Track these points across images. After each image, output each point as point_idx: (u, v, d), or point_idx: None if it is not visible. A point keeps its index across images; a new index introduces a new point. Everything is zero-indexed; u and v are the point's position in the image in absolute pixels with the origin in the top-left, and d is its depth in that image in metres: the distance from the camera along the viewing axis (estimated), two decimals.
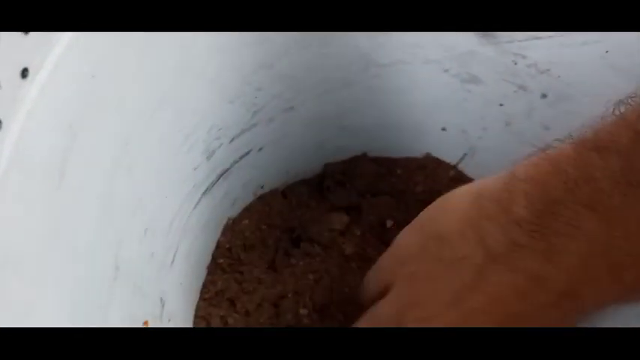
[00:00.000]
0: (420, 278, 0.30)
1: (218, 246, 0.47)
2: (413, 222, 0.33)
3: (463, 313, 0.28)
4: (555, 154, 0.25)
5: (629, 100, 0.24)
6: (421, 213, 0.32)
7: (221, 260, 0.46)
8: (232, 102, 0.38)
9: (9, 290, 0.22)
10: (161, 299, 0.39)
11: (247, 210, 0.48)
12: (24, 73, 0.21)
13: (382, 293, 0.33)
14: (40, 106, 0.22)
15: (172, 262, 0.41)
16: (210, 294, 0.45)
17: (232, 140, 0.41)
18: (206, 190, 0.42)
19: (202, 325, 0.44)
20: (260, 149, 0.44)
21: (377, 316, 0.33)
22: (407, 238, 0.33)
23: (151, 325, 0.37)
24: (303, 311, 0.44)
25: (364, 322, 0.35)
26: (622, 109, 0.24)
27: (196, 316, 0.45)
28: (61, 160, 0.24)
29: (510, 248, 0.26)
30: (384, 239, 0.46)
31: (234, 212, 0.47)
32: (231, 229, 0.47)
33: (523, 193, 0.25)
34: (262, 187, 0.48)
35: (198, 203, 0.42)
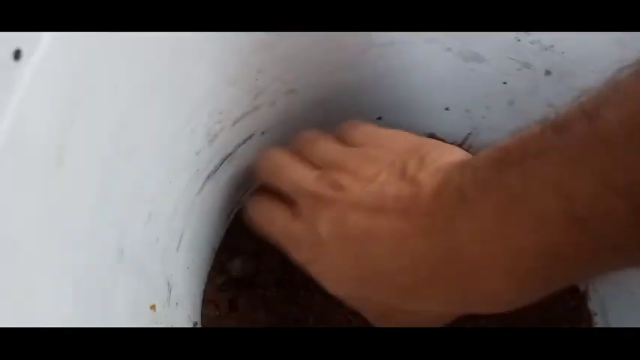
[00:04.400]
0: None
1: (227, 232, 0.47)
2: None
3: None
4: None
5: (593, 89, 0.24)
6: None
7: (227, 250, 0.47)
8: (233, 84, 0.38)
9: (7, 276, 0.22)
10: (168, 283, 0.39)
11: (251, 196, 0.48)
12: (16, 54, 0.21)
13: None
14: (34, 89, 0.22)
15: (178, 246, 0.41)
16: (218, 278, 0.46)
17: (235, 124, 0.41)
18: (210, 175, 0.42)
19: (211, 307, 0.45)
20: (263, 133, 0.44)
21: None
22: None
23: (158, 309, 0.37)
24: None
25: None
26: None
27: (205, 300, 0.45)
28: (58, 144, 0.24)
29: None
30: None
31: (238, 197, 0.47)
32: (236, 216, 0.48)
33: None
34: None
35: (202, 188, 0.42)
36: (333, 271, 0.32)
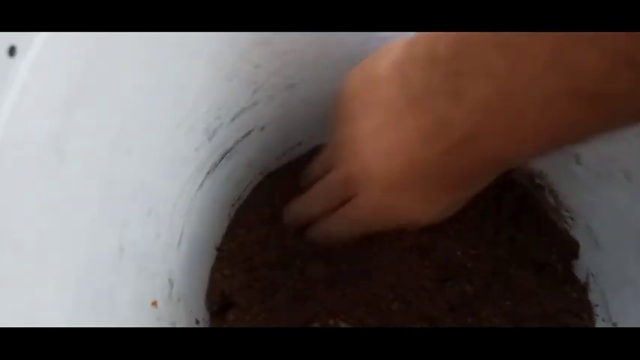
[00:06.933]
0: (352, 117, 0.33)
1: (227, 231, 0.47)
2: (358, 65, 0.34)
3: (375, 150, 0.31)
4: None
5: None
6: (368, 58, 0.34)
7: (230, 245, 0.47)
8: (231, 80, 0.38)
9: (9, 272, 0.22)
10: (169, 279, 0.39)
11: (252, 191, 0.48)
12: (11, 51, 0.20)
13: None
14: (30, 85, 0.21)
15: (179, 242, 0.41)
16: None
17: (233, 119, 0.41)
18: (209, 171, 0.42)
19: (216, 293, 0.45)
20: (262, 128, 0.44)
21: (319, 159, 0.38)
22: (348, 81, 0.34)
23: (159, 305, 0.37)
24: None
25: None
26: None
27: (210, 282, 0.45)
28: (57, 140, 0.24)
29: (426, 91, 0.27)
30: None
31: (239, 193, 0.47)
32: (237, 212, 0.48)
33: (448, 36, 0.26)
34: (266, 167, 0.48)
35: (202, 184, 0.42)
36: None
